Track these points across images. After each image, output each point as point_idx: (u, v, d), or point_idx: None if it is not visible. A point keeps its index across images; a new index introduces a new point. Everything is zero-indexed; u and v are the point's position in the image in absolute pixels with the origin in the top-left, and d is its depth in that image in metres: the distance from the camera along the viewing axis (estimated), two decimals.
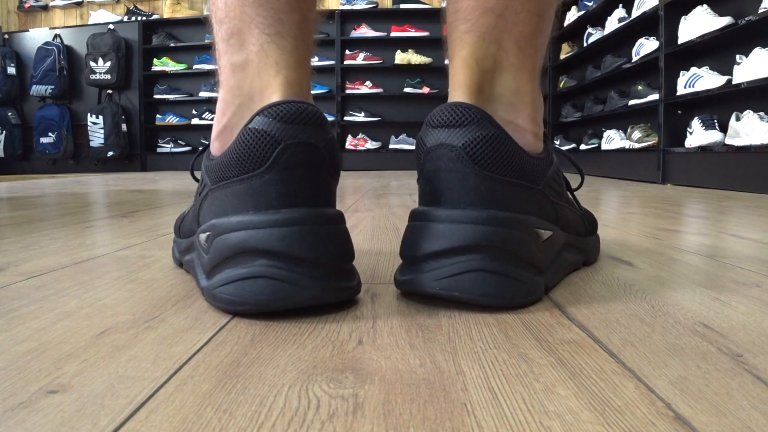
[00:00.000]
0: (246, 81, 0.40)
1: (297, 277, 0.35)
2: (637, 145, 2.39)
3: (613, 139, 2.70)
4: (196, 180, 0.49)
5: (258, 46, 0.39)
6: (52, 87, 4.12)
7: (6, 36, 4.32)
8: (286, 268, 0.35)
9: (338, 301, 0.37)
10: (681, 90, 2.09)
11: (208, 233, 0.38)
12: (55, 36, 4.24)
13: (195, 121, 4.17)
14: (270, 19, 0.39)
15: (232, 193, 0.37)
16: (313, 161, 0.37)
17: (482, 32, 0.41)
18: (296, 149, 0.36)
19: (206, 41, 4.13)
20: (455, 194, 0.38)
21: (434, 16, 4.05)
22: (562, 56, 3.39)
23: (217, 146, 0.42)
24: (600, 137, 2.89)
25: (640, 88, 2.41)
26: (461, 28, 0.42)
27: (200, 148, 0.49)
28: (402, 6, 4.03)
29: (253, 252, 0.35)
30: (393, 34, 4.04)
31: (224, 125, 0.41)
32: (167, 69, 4.20)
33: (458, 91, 0.41)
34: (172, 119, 4.23)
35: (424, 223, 0.39)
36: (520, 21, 0.41)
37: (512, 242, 0.38)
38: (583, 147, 3.06)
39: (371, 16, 4.10)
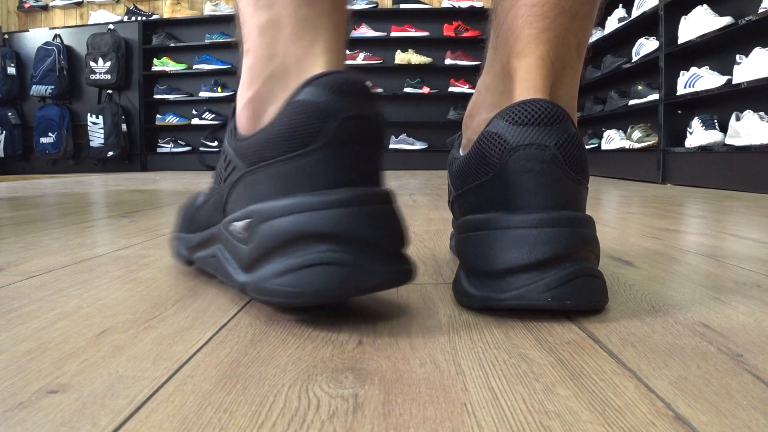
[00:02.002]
0: (279, 48, 0.36)
1: (364, 262, 0.32)
2: (637, 145, 2.39)
3: (613, 139, 2.70)
4: (210, 168, 0.46)
5: (291, 8, 0.35)
6: (52, 87, 4.12)
7: (6, 36, 4.32)
8: (351, 252, 0.32)
9: (400, 285, 0.35)
10: (681, 90, 2.09)
11: (248, 220, 0.35)
12: (55, 36, 4.24)
13: (195, 121, 4.17)
14: None
15: (278, 173, 0.34)
16: (368, 136, 0.34)
17: (559, 32, 0.39)
18: (352, 123, 0.33)
19: (206, 41, 4.13)
20: (547, 197, 0.36)
21: (434, 16, 4.05)
22: None
23: (244, 122, 0.38)
24: (600, 137, 2.89)
25: (640, 88, 2.41)
26: (539, 25, 0.39)
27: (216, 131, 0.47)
28: (402, 6, 4.04)
29: (311, 237, 0.32)
30: (393, 34, 4.04)
31: (250, 98, 0.37)
32: (167, 69, 4.20)
33: (532, 90, 0.39)
34: (172, 119, 4.23)
35: (515, 230, 0.35)
36: (583, 25, 0.40)
37: (597, 244, 0.38)
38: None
39: (371, 16, 4.10)
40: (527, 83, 0.39)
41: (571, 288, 0.34)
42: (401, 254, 0.35)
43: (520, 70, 0.40)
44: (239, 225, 0.36)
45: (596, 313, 0.37)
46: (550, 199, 0.36)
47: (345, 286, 0.32)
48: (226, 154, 0.39)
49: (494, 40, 0.43)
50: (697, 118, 2.00)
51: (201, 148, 4.08)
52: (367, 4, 4.10)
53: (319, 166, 0.33)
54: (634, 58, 2.46)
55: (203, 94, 4.16)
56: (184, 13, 4.28)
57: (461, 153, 0.44)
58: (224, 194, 0.39)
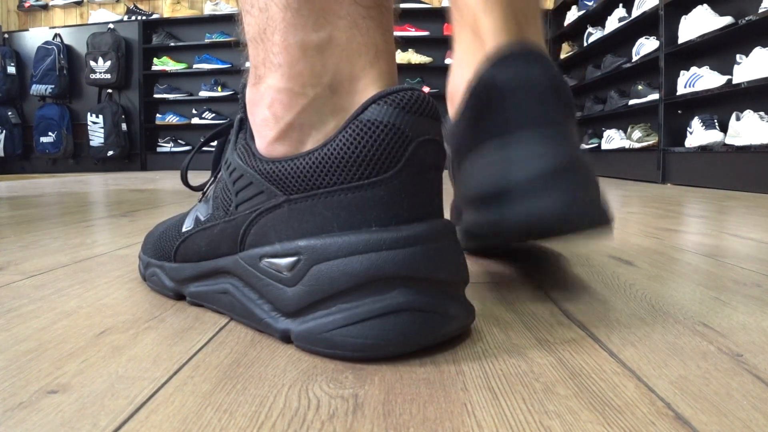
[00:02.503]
0: (327, 66, 0.30)
1: (443, 306, 0.29)
2: (637, 145, 2.39)
3: (613, 139, 2.70)
4: (194, 189, 0.42)
5: (350, 21, 0.30)
6: (52, 86, 4.12)
7: (6, 35, 4.32)
8: (431, 295, 0.29)
9: (469, 326, 0.32)
10: (681, 90, 2.09)
11: (294, 258, 0.30)
12: (55, 35, 4.24)
13: (195, 120, 4.17)
14: None
15: (341, 204, 0.29)
16: (440, 162, 0.31)
17: None
18: (427, 148, 0.29)
19: (206, 41, 4.13)
20: (542, 117, 0.37)
21: (434, 16, 4.05)
22: (562, 56, 3.39)
23: (280, 152, 0.32)
24: (600, 137, 2.89)
25: (640, 87, 2.41)
26: None
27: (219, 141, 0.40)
28: (402, 6, 4.03)
29: (387, 280, 0.28)
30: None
31: (289, 123, 0.31)
32: (167, 68, 4.20)
33: (503, 34, 0.41)
34: (172, 119, 4.23)
35: (552, 135, 0.36)
36: None
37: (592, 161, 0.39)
38: (583, 146, 3.06)
39: None
40: (497, 32, 0.40)
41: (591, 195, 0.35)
42: (463, 292, 0.33)
43: (487, 25, 0.41)
44: (281, 263, 0.30)
45: (596, 313, 0.37)
46: (545, 119, 0.37)
47: (426, 334, 0.29)
48: (240, 176, 0.33)
49: (456, 14, 0.44)
50: (697, 117, 2.00)
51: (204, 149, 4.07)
52: None
53: (396, 196, 0.28)
54: (634, 58, 2.46)
55: (203, 94, 4.16)
56: (184, 12, 4.28)
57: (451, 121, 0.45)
58: (242, 223, 0.33)
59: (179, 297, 0.40)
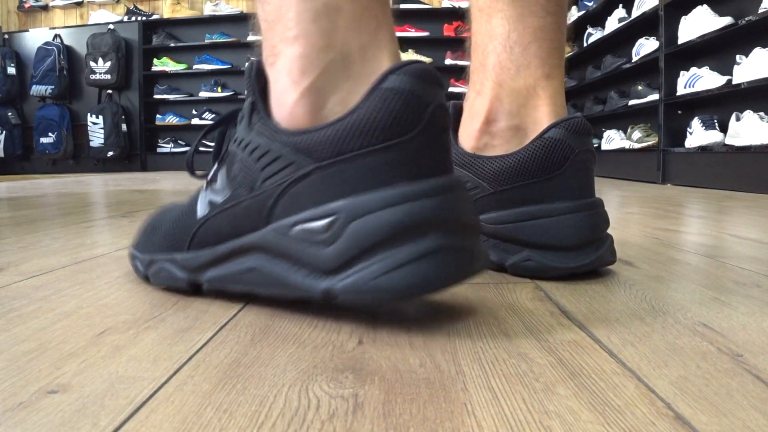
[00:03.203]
0: (337, 34, 0.35)
1: (472, 245, 0.34)
2: (637, 145, 2.39)
3: (613, 139, 2.70)
4: (199, 177, 0.43)
5: None
6: (52, 87, 4.12)
7: (6, 36, 4.32)
8: (460, 237, 0.33)
9: (489, 267, 0.38)
10: (681, 90, 2.09)
11: (333, 218, 0.32)
12: (55, 36, 4.24)
13: (195, 121, 4.17)
14: None
15: (372, 164, 0.32)
16: (449, 124, 0.35)
17: (563, 56, 0.51)
18: (440, 111, 0.33)
19: (206, 41, 4.13)
20: (592, 187, 0.48)
21: (434, 16, 4.05)
22: None
23: (300, 114, 0.35)
24: (600, 137, 2.89)
25: (640, 88, 2.41)
26: (557, 54, 0.50)
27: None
28: (402, 6, 4.04)
29: (422, 226, 0.31)
30: None
31: (308, 88, 0.35)
32: (167, 69, 4.20)
33: (561, 107, 0.49)
34: (172, 119, 4.23)
35: (595, 211, 0.47)
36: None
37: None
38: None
39: None
40: (557, 104, 0.49)
41: (612, 251, 0.48)
42: (479, 237, 0.37)
43: (549, 89, 0.49)
44: (316, 225, 0.32)
45: (596, 313, 0.37)
46: (593, 188, 0.48)
47: (462, 271, 0.33)
48: (265, 152, 0.35)
49: (511, 59, 0.49)
50: (697, 118, 2.00)
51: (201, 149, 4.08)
52: None
53: (421, 153, 0.32)
54: (634, 58, 2.47)
55: (203, 94, 4.16)
56: (184, 13, 4.28)
57: (483, 153, 0.50)
58: (270, 196, 0.35)
59: (193, 286, 0.40)
